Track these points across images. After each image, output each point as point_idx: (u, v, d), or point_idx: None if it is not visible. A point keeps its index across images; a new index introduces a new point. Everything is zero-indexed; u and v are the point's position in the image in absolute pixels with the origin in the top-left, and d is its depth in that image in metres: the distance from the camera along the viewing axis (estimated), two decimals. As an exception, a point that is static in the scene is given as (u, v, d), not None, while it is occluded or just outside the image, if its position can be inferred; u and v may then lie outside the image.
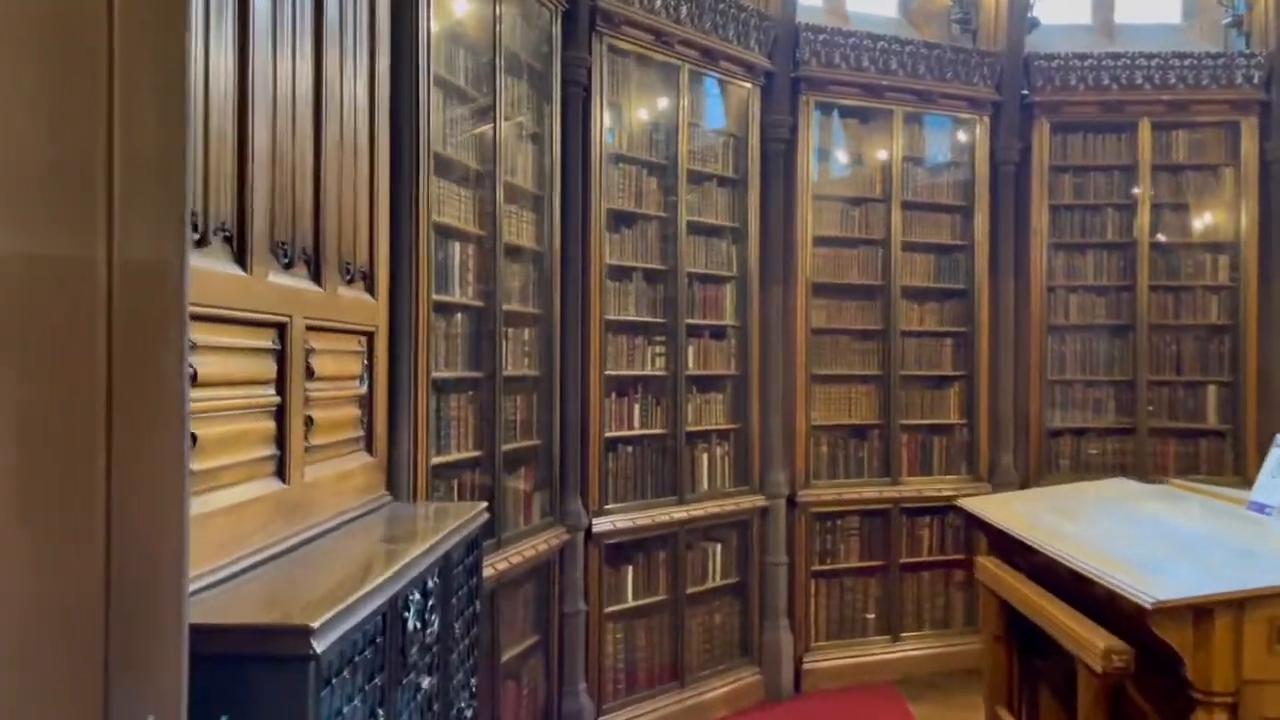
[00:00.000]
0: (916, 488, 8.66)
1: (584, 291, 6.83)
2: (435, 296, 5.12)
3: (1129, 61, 8.78)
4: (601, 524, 6.85)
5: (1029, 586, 4.95)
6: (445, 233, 5.34)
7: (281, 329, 3.27)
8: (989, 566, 5.64)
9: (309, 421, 3.60)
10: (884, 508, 8.51)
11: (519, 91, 6.12)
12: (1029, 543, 4.96)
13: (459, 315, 5.49)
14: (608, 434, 7.07)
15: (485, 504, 4.56)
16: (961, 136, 8.93)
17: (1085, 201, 8.98)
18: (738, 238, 8.11)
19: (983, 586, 5.79)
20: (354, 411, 4.17)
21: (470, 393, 5.61)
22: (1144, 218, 8.64)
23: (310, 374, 3.61)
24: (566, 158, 6.61)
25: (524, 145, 6.29)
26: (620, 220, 7.27)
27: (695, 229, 7.72)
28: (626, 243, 7.31)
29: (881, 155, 8.72)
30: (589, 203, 6.84)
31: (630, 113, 7.35)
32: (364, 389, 4.24)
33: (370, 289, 4.34)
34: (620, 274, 7.26)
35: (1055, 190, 8.83)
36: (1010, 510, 5.88)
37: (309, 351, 3.56)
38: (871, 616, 8.54)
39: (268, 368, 3.22)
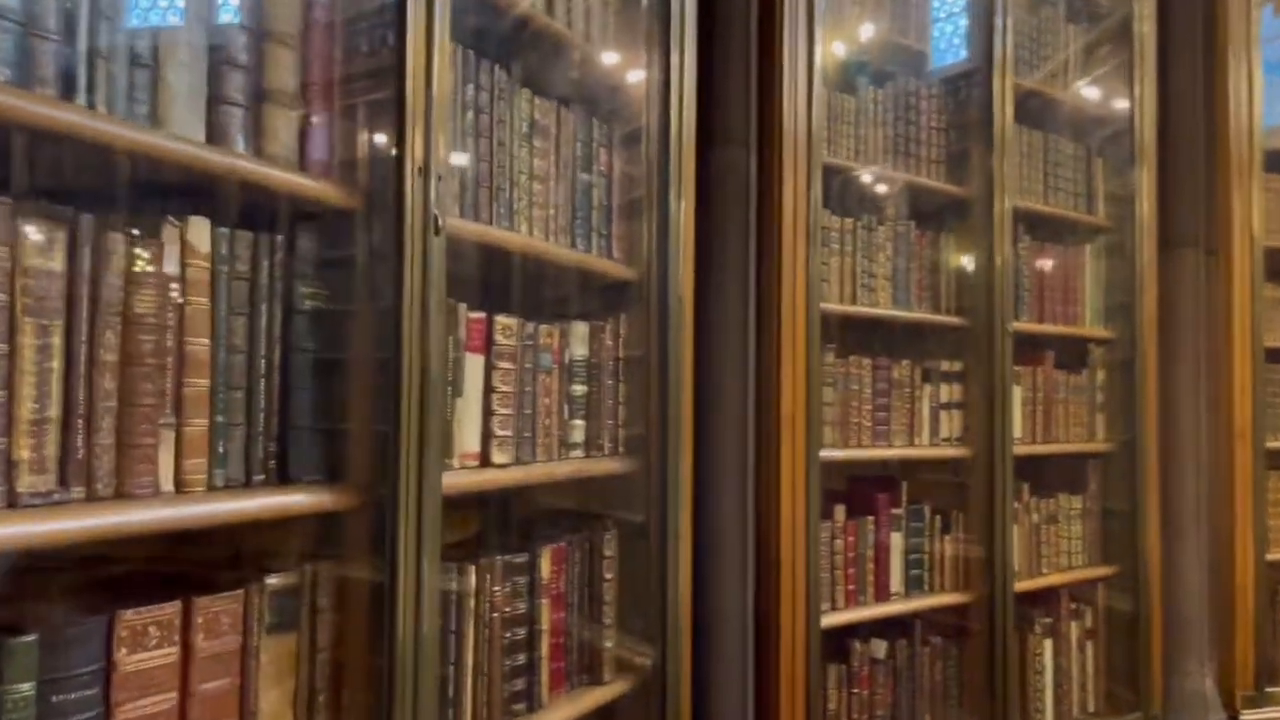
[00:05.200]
0: None
1: (761, 232, 2.11)
2: None
3: None
4: None
5: None
6: None
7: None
8: None
9: None
10: None
11: None
12: None
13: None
14: (828, 619, 2.29)
15: None
16: None
17: None
18: (1110, 140, 3.22)
19: None
20: None
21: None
22: None
23: None
24: None
25: None
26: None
27: (1020, 109, 2.91)
28: (866, 113, 2.57)
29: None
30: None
31: None
32: None
33: None
34: (846, 196, 2.53)
35: None
36: None
37: None
38: None
39: None
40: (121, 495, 1.09)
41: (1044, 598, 3.08)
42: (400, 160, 1.33)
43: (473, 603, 1.59)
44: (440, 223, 1.37)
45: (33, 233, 1.01)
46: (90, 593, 1.15)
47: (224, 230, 1.22)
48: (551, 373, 1.77)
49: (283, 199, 1.30)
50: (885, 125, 2.70)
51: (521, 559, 1.70)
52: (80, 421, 1.05)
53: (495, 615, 1.63)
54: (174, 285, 1.16)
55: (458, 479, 1.52)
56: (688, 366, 2.03)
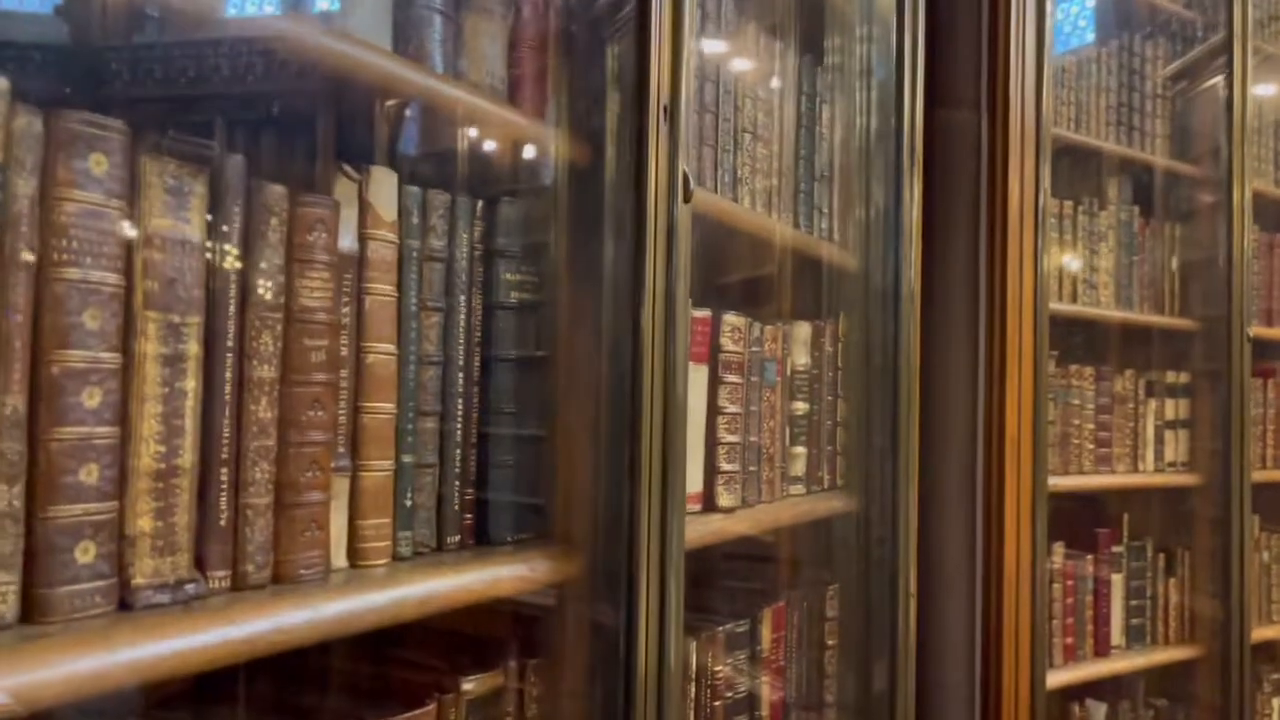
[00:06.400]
0: None
1: (992, 211, 1.68)
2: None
3: None
4: None
5: None
6: None
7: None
8: None
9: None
10: None
11: None
12: None
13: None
14: (1049, 679, 1.84)
15: None
16: None
17: None
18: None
19: None
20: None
21: None
22: None
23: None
24: None
25: None
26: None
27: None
28: (1087, 75, 2.12)
29: None
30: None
31: None
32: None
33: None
34: (1066, 174, 2.09)
35: None
36: None
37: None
38: None
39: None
40: (281, 578, 0.72)
41: (1270, 649, 2.61)
42: (642, 95, 0.94)
43: (694, 690, 1.20)
44: (691, 185, 0.98)
45: (161, 180, 0.64)
46: (210, 709, 0.78)
47: (413, 189, 0.85)
48: (775, 388, 1.38)
49: (485, 146, 0.93)
50: (1108, 91, 2.26)
51: (743, 627, 1.31)
52: (224, 472, 0.68)
53: (717, 704, 1.24)
54: (350, 266, 0.79)
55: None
56: (917, 378, 1.62)
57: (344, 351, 0.79)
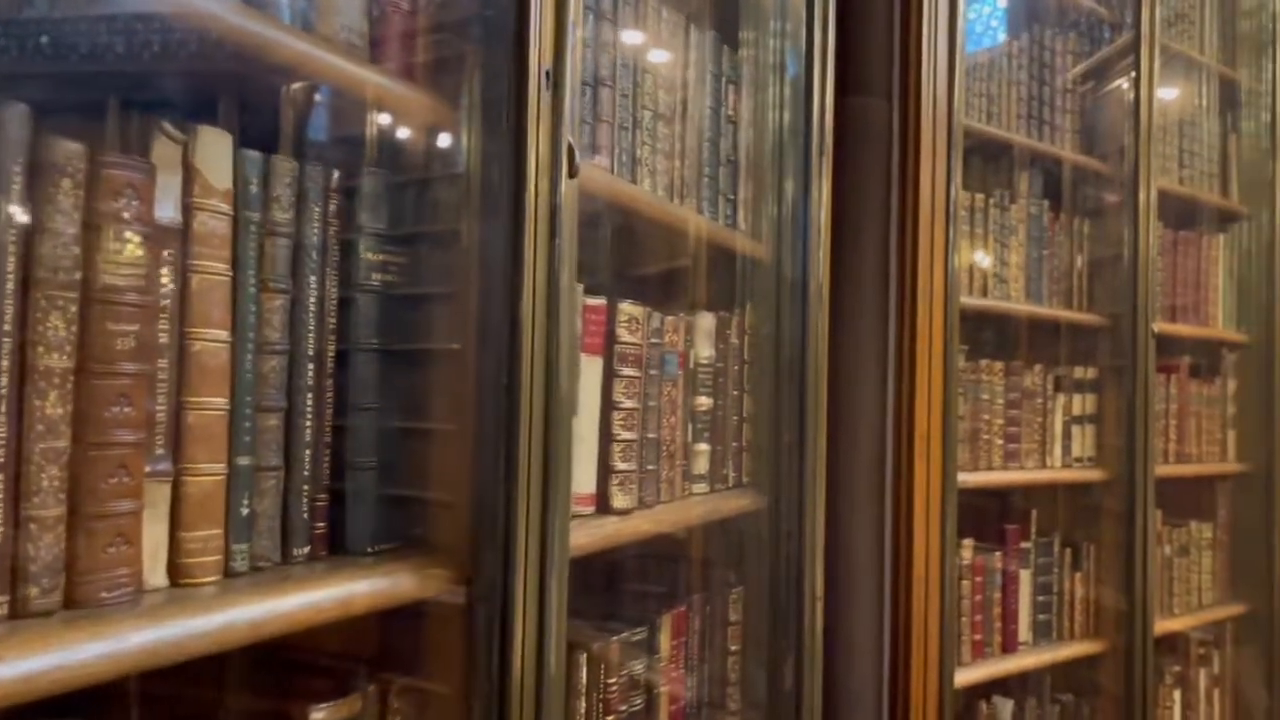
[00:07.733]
0: None
1: (905, 211, 1.63)
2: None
3: None
4: None
5: None
6: None
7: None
8: None
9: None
10: None
11: None
12: None
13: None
14: (958, 677, 1.81)
15: None
16: None
17: None
18: (1245, 116, 2.77)
19: None
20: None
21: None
22: None
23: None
24: None
25: None
26: None
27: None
28: (1000, 68, 2.08)
29: None
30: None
31: None
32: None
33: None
34: (976, 167, 2.06)
35: None
36: None
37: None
38: None
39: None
40: (77, 603, 0.62)
41: (1171, 642, 2.64)
42: (521, 55, 0.85)
43: (583, 704, 1.11)
44: (576, 159, 0.89)
45: (-91, 127, 0.53)
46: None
47: (253, 154, 0.74)
48: (676, 382, 1.30)
49: (345, 115, 0.82)
50: (1019, 84, 2.24)
51: (640, 635, 1.23)
52: (0, 477, 0.57)
53: (611, 718, 1.16)
54: (172, 239, 0.68)
55: (574, 535, 1.04)
56: (824, 373, 1.56)
57: (163, 338, 0.68)
